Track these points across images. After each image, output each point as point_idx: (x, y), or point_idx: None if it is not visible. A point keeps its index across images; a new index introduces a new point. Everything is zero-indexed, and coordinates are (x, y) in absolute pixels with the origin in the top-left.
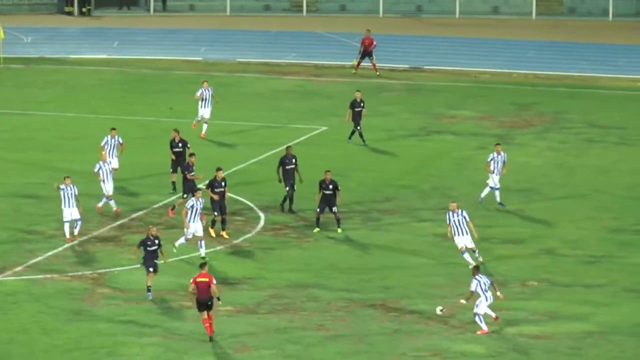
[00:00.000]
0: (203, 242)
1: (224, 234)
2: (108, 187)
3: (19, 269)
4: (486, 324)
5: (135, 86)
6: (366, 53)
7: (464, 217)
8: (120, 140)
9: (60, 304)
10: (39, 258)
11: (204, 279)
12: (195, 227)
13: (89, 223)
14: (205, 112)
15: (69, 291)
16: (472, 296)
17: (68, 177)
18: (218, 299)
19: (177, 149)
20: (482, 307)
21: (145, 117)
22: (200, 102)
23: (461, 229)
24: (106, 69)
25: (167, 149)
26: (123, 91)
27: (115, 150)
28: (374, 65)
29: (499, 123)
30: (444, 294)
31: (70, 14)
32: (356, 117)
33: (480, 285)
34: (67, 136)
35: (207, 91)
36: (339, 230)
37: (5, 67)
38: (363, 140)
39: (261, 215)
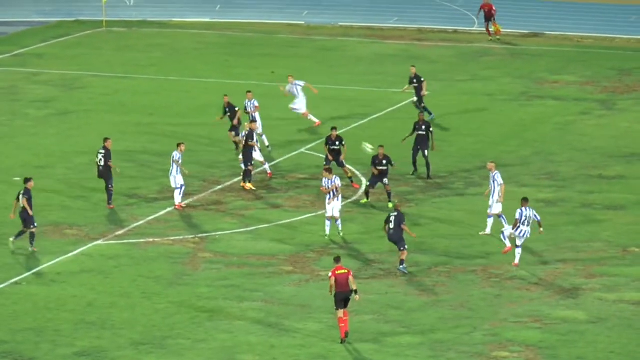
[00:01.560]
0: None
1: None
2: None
3: (120, 232)
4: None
5: (238, 50)
6: (487, 18)
7: (494, 179)
8: (256, 103)
9: (161, 268)
10: (141, 222)
11: (342, 271)
12: (332, 206)
13: (191, 187)
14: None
15: (170, 255)
16: (515, 223)
17: (182, 143)
18: (355, 292)
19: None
20: (508, 231)
21: (247, 80)
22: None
23: (491, 192)
24: (208, 33)
25: (270, 112)
26: (225, 55)
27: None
28: (497, 29)
29: (602, 88)
30: (545, 260)
31: None
32: (416, 92)
33: (521, 218)
34: (169, 100)
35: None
36: (390, 204)
37: (108, 31)
38: (429, 112)
39: (362, 180)
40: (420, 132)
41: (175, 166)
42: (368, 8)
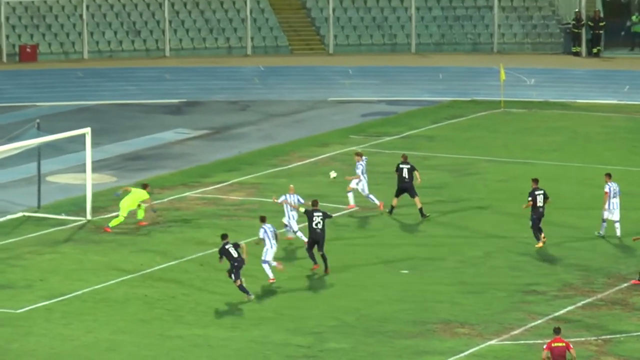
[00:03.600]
0: None
1: None
2: None
3: (516, 332)
4: None
5: None
6: None
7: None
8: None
9: None
10: (539, 321)
11: (559, 344)
12: None
13: (594, 284)
14: None
15: None
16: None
17: None
18: None
19: None
20: (269, 255)
21: None
22: None
23: None
24: (615, 115)
25: None
26: (632, 140)
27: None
28: None
29: None
30: None
31: (577, 54)
32: None
33: (267, 233)
34: (569, 188)
35: None
36: None
37: (506, 112)
38: None
39: None
40: None
41: None
42: None
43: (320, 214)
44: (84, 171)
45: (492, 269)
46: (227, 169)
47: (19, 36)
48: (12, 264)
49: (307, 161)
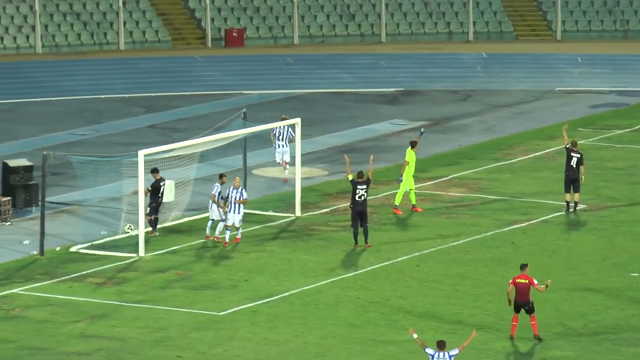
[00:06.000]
0: None
1: None
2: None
3: None
4: None
5: None
6: None
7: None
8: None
9: None
10: None
11: (524, 280)
12: None
13: None
14: None
15: None
16: None
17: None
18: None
19: None
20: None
21: None
22: None
23: None
24: None
25: None
26: None
27: None
28: None
29: None
30: None
31: None
32: None
33: None
34: None
35: None
36: None
37: None
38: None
39: None
40: None
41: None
42: None
43: (365, 186)
44: (293, 164)
45: None
46: (446, 164)
47: (225, 19)
48: (215, 263)
49: (532, 155)
